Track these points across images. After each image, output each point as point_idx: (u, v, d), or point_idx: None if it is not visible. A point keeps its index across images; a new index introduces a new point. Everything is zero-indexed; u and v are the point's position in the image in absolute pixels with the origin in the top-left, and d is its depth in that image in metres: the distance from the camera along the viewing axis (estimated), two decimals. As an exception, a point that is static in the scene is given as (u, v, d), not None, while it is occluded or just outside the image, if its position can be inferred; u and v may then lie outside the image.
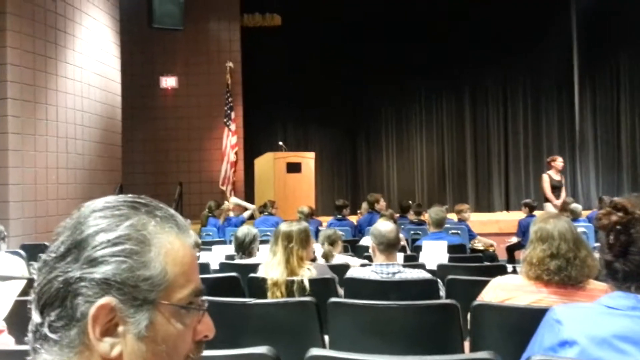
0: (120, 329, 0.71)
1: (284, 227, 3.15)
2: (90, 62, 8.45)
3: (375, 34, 11.90)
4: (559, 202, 8.08)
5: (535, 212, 8.19)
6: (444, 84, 12.52)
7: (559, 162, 8.57)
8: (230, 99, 11.10)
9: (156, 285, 0.73)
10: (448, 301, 2.23)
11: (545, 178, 8.41)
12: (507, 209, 12.02)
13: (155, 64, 11.36)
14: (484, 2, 11.54)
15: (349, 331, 2.25)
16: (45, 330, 0.72)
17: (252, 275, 3.21)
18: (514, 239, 8.11)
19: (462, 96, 12.58)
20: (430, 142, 12.64)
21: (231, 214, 8.30)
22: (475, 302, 2.19)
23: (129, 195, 0.80)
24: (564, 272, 2.10)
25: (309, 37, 11.91)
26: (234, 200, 8.75)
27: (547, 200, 8.33)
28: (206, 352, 1.30)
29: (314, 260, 3.38)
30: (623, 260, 1.31)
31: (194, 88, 11.38)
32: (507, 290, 2.22)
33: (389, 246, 3.10)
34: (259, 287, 3.05)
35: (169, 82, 11.42)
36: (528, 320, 1.90)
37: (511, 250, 8.00)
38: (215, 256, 4.80)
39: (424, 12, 11.79)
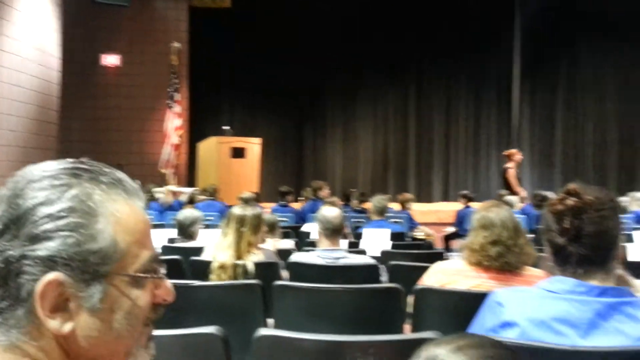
0: (72, 304, 0.68)
1: (237, 210, 3.11)
2: (27, 35, 8.04)
3: (326, 23, 11.89)
4: (524, 193, 8.38)
5: (472, 204, 8.46)
6: (391, 78, 12.71)
7: (519, 155, 8.88)
8: (175, 81, 10.83)
9: (107, 258, 0.69)
10: (392, 285, 2.28)
11: (512, 172, 8.68)
12: (446, 199, 12.37)
13: (97, 40, 10.92)
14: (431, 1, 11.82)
15: (293, 314, 2.26)
16: None
17: (195, 258, 3.16)
18: (451, 229, 8.35)
19: (407, 90, 12.82)
20: (375, 133, 12.82)
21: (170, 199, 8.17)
22: (418, 286, 2.24)
23: (69, 160, 0.74)
24: (504, 259, 2.17)
25: (259, 22, 11.76)
26: (168, 188, 8.59)
27: (511, 192, 8.51)
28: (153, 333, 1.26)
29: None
30: (577, 245, 1.36)
31: (137, 67, 11.03)
32: (448, 275, 2.29)
33: (334, 232, 3.14)
34: (202, 270, 3.01)
35: (111, 59, 11.01)
36: (467, 303, 1.97)
37: (448, 239, 8.24)
38: (156, 239, 4.69)
39: (374, 6, 11.89)
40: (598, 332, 1.34)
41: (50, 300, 0.66)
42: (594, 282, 1.37)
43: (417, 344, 0.76)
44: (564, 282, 1.39)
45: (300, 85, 12.43)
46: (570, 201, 1.37)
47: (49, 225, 0.66)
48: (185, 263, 3.29)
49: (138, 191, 0.76)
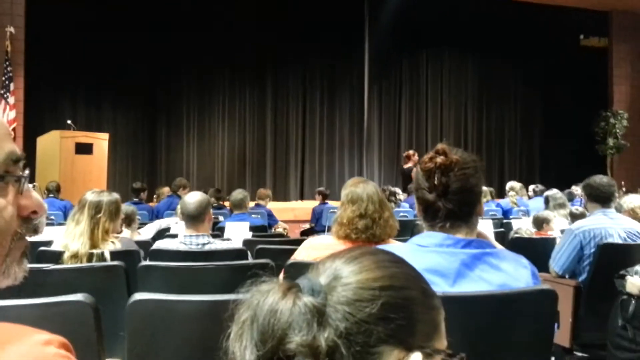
0: None
1: (92, 196, 2.89)
2: None
3: (182, 16, 11.54)
4: None
5: (328, 201, 8.75)
6: (248, 76, 12.69)
7: (416, 156, 9.32)
8: (9, 69, 9.78)
9: None
10: (264, 260, 2.27)
11: (414, 170, 9.04)
12: (302, 198, 12.64)
13: None
14: (290, 3, 12.04)
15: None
16: None
17: (43, 248, 2.88)
18: (307, 225, 8.57)
19: (265, 89, 12.88)
20: (232, 132, 12.69)
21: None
22: (289, 261, 2.26)
23: None
24: (370, 231, 2.28)
25: (105, 7, 11.01)
26: None
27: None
28: (17, 302, 1.13)
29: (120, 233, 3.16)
30: (444, 200, 1.45)
31: (-37, 52, 9.79)
32: (318, 250, 2.33)
33: (193, 217, 3.04)
34: (51, 262, 2.75)
35: None
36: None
37: (305, 234, 8.42)
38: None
39: (232, 4, 11.80)
40: (464, 280, 1.45)
41: None
42: (460, 236, 1.48)
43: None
44: (433, 237, 1.49)
45: (152, 79, 11.91)
46: (439, 159, 1.47)
47: None
48: (29, 256, 2.97)
49: None
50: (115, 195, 3.05)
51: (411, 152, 9.81)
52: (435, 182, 1.46)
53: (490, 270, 1.46)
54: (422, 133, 13.65)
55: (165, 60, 11.80)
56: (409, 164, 9.45)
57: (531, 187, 8.61)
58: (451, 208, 1.46)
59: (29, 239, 0.72)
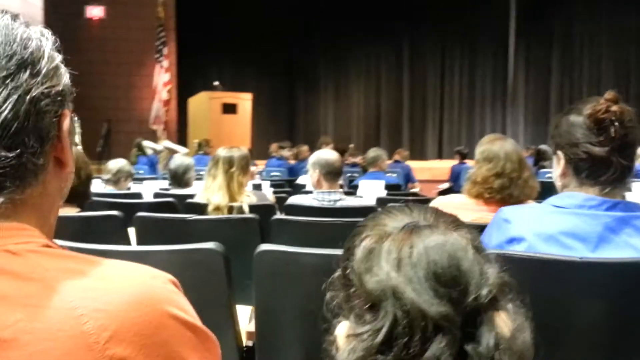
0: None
1: (223, 152, 3.05)
2: (9, -17, 7.77)
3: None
4: None
5: (467, 160, 8.44)
6: (384, 34, 12.50)
7: None
8: (162, 34, 10.56)
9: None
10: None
11: None
12: (440, 157, 12.35)
13: (81, -9, 10.59)
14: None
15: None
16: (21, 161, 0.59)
17: (190, 200, 3.11)
18: (446, 185, 8.36)
19: (401, 46, 12.63)
20: (369, 91, 12.67)
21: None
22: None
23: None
24: (507, 191, 2.15)
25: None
26: (166, 144, 8.54)
27: None
28: (153, 247, 1.22)
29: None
30: (620, 155, 1.30)
31: (122, 20, 10.72)
32: (449, 208, 2.19)
33: (335, 174, 3.11)
34: (197, 213, 2.97)
35: (95, 11, 10.68)
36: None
37: (443, 194, 8.24)
38: (148, 189, 4.64)
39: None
40: (608, 246, 1.30)
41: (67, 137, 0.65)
42: (617, 198, 1.33)
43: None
44: (574, 197, 1.35)
45: (292, 42, 12.21)
46: (616, 108, 1.30)
47: (57, 61, 0.65)
48: (180, 207, 3.24)
49: None
50: (245, 151, 3.19)
51: None
52: (613, 134, 1.30)
53: (639, 235, 1.30)
54: (575, 88, 12.43)
55: (303, 23, 11.99)
56: None
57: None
58: (627, 164, 1.31)
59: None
